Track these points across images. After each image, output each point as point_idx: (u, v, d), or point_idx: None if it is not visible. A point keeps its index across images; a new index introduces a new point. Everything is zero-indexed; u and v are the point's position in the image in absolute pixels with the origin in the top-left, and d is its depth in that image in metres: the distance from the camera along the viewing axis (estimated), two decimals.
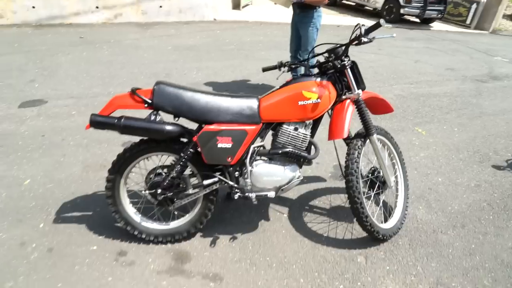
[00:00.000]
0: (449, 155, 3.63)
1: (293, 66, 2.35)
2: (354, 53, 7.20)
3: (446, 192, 3.05)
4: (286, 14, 11.01)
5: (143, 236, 2.29)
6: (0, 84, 4.54)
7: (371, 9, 12.13)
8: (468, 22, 12.05)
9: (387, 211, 2.67)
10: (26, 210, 2.54)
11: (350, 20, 10.75)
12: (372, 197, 2.59)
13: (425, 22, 11.73)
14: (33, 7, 7.56)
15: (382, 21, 1.99)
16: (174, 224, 2.33)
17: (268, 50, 6.80)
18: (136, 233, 2.28)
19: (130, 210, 2.28)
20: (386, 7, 11.28)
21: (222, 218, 2.59)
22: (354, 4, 12.88)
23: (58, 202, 2.63)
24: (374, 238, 2.37)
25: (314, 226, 2.57)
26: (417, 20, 11.79)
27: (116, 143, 3.40)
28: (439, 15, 11.31)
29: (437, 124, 4.31)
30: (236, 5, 11.11)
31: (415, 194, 2.98)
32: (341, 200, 2.84)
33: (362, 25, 2.10)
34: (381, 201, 2.66)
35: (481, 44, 9.42)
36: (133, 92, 2.00)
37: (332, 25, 9.67)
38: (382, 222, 2.48)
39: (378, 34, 2.24)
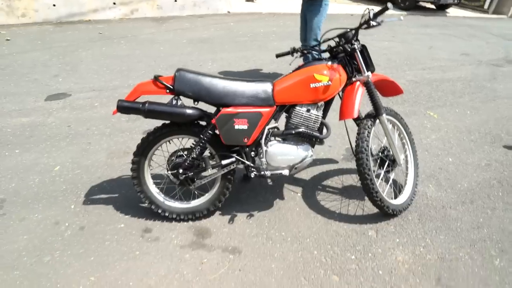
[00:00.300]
0: (461, 137, 3.69)
1: (305, 52, 2.46)
2: (367, 40, 7.23)
3: (456, 171, 3.13)
4: (299, 5, 11.03)
5: (166, 214, 2.46)
6: (27, 79, 4.78)
7: None
8: (486, 7, 11.82)
9: (397, 189, 2.77)
10: (57, 193, 2.74)
11: (364, 9, 10.70)
12: (382, 175, 2.69)
13: (441, 8, 11.57)
14: (54, 5, 7.82)
15: (389, 4, 2.09)
16: (194, 203, 2.49)
17: (281, 40, 6.89)
18: (159, 211, 2.45)
19: (154, 190, 2.45)
20: None
21: (239, 198, 2.74)
22: None
23: (86, 186, 2.82)
24: (384, 213, 2.48)
25: (326, 204, 2.70)
26: (433, 6, 11.63)
27: (137, 131, 3.59)
28: (456, 1, 11.13)
29: (450, 107, 4.36)
30: None
31: (426, 174, 3.07)
32: (352, 180, 2.96)
33: (371, 9, 2.20)
34: (391, 179, 2.76)
35: (498, 28, 9.27)
36: (156, 79, 2.15)
37: (345, 14, 9.66)
38: (392, 199, 2.59)
39: (387, 18, 2.33)
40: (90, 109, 4.02)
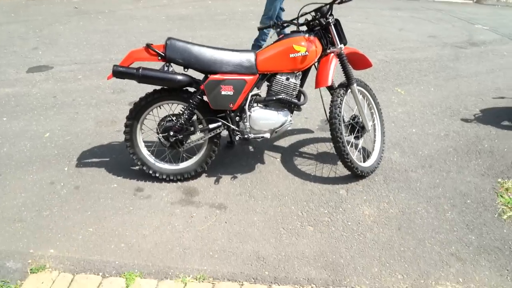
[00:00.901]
0: (424, 110, 4.04)
1: (285, 25, 2.68)
2: (342, 21, 7.48)
3: (418, 140, 3.47)
4: None
5: (157, 175, 2.66)
6: (5, 51, 4.77)
7: None
8: None
9: (366, 155, 3.08)
10: (50, 157, 2.88)
11: None
12: (352, 140, 2.98)
13: None
14: None
15: None
16: (183, 165, 2.70)
17: (259, 19, 7.02)
18: (150, 172, 2.65)
19: (145, 152, 2.65)
20: None
21: (223, 162, 2.97)
22: None
23: (78, 151, 2.98)
24: (354, 174, 2.78)
25: (303, 168, 2.97)
26: None
27: (123, 102, 3.73)
28: None
29: (415, 85, 4.70)
30: None
31: (391, 142, 3.39)
32: (326, 147, 3.24)
33: None
34: (360, 144, 3.05)
35: (464, 13, 9.73)
36: (148, 46, 2.33)
37: None
38: (361, 162, 2.89)
39: None
40: (74, 82, 4.11)
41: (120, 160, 2.89)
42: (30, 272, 1.99)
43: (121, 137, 3.06)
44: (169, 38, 2.36)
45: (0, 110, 3.44)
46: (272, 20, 4.54)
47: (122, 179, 2.71)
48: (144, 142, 2.67)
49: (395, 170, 3.03)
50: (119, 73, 2.31)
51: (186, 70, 2.43)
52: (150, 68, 2.35)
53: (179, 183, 2.71)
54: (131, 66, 2.34)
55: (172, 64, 2.39)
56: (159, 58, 2.34)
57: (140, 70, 2.30)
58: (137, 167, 2.75)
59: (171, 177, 2.68)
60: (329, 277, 2.08)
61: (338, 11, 8.20)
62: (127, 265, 2.07)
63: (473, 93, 4.59)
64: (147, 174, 2.67)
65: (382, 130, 3.06)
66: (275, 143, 3.27)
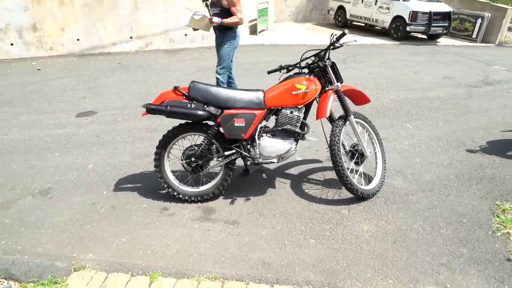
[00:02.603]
0: (430, 143, 4.31)
1: (290, 68, 3.15)
2: (359, 66, 8.00)
3: (421, 168, 3.73)
4: (298, 37, 11.94)
5: (180, 196, 3.08)
6: (59, 100, 5.56)
7: (380, 28, 12.94)
8: (474, 36, 12.65)
9: (368, 180, 3.37)
10: (92, 183, 3.39)
11: (359, 39, 11.57)
12: (352, 165, 3.29)
13: (432, 38, 12.43)
14: (78, 39, 8.79)
15: (346, 30, 2.79)
16: (203, 188, 3.12)
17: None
18: (175, 194, 3.08)
19: (171, 176, 3.09)
20: (394, 25, 12.08)
21: (238, 187, 3.36)
22: (364, 24, 13.73)
23: (115, 179, 3.47)
24: (355, 195, 3.08)
25: (310, 191, 3.30)
26: (425, 36, 12.50)
27: (155, 139, 4.26)
28: (444, 31, 11.99)
29: (425, 121, 4.99)
30: (253, 31, 12.18)
31: (395, 170, 3.67)
32: (333, 175, 3.55)
33: (335, 35, 2.91)
34: (361, 168, 3.35)
35: (484, 55, 10.02)
36: (175, 88, 2.86)
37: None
38: (362, 186, 3.19)
39: (347, 42, 3.01)
40: (115, 123, 4.74)
41: (150, 185, 3.35)
42: (73, 271, 2.40)
43: (152, 167, 3.57)
44: (192, 81, 2.89)
45: (54, 147, 4.06)
46: (227, 69, 4.85)
47: (151, 200, 3.15)
48: (171, 167, 3.13)
49: (396, 194, 3.30)
50: (151, 110, 2.83)
51: (205, 106, 2.92)
52: (176, 105, 2.85)
53: (199, 203, 3.11)
54: (161, 104, 2.86)
55: (194, 102, 2.89)
56: (184, 97, 2.86)
57: (168, 107, 2.82)
58: (164, 191, 3.20)
59: (193, 198, 3.09)
60: (326, 280, 2.35)
61: (357, 58, 8.78)
62: (151, 267, 2.45)
63: (481, 127, 4.82)
64: (172, 196, 3.10)
65: (383, 157, 3.37)
66: (286, 171, 3.64)
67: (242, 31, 11.48)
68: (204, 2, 4.48)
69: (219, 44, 4.82)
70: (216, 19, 4.38)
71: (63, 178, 3.46)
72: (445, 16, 11.75)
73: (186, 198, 3.09)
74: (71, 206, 3.06)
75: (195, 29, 4.68)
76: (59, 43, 8.68)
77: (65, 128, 4.57)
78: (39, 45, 8.54)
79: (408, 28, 11.57)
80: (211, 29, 4.72)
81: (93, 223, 2.87)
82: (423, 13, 11.31)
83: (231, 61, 4.95)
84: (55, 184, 3.36)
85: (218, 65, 4.90)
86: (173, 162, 3.20)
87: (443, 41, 12.33)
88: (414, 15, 11.32)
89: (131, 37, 9.16)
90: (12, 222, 2.85)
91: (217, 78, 4.95)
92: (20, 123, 4.71)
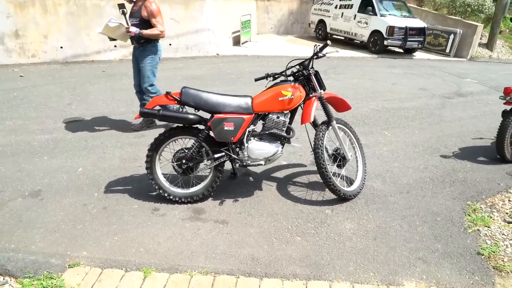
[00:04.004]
0: (407, 149, 4.56)
1: (276, 76, 3.32)
2: (340, 78, 8.30)
3: (399, 172, 3.95)
4: (280, 49, 12.23)
5: (171, 197, 3.18)
6: (44, 106, 5.58)
7: (359, 42, 13.40)
8: (447, 51, 13.25)
9: (350, 182, 3.56)
10: (83, 186, 3.46)
11: (340, 52, 11.97)
12: (337, 172, 3.48)
13: (408, 52, 12.96)
14: (61, 47, 8.80)
15: (329, 42, 3.00)
16: (193, 189, 3.23)
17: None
18: (166, 195, 3.18)
19: (162, 178, 3.19)
20: (372, 39, 12.56)
21: (227, 189, 3.49)
22: (343, 38, 14.19)
23: (106, 181, 3.55)
24: (338, 196, 3.26)
25: (295, 193, 3.46)
26: (401, 50, 13.02)
27: (143, 144, 4.36)
28: (420, 45, 12.54)
29: (402, 128, 5.26)
30: (237, 42, 12.43)
31: (375, 174, 3.88)
32: (317, 178, 3.73)
33: (317, 45, 3.12)
34: (343, 171, 3.53)
35: (456, 69, 10.53)
36: (168, 93, 2.99)
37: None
38: (344, 187, 3.37)
39: (329, 53, 3.22)
40: (103, 129, 4.80)
41: (140, 187, 3.44)
42: (68, 267, 2.47)
43: (142, 171, 3.67)
44: (184, 87, 3.03)
45: (42, 151, 4.09)
46: (152, 84, 4.52)
47: (142, 201, 3.24)
48: (162, 169, 3.23)
49: (376, 195, 3.49)
50: (144, 113, 2.95)
51: (196, 111, 3.06)
52: (168, 109, 2.98)
53: (189, 204, 3.22)
54: (154, 108, 2.99)
55: (185, 106, 3.03)
56: (176, 102, 2.99)
57: (161, 111, 2.94)
58: (154, 192, 3.29)
59: (183, 199, 3.20)
60: (311, 273, 2.50)
61: (337, 69, 9.10)
62: (145, 263, 2.54)
63: (454, 134, 5.12)
64: (162, 197, 3.20)
65: (363, 161, 3.57)
66: (272, 175, 3.79)
67: (225, 42, 11.74)
68: (121, 10, 4.19)
69: (138, 59, 4.48)
70: (134, 29, 4.15)
71: (53, 180, 3.51)
72: (420, 31, 12.31)
73: (177, 199, 3.19)
74: (63, 207, 3.12)
75: (111, 39, 4.37)
76: (42, 50, 8.67)
77: (52, 133, 4.61)
78: (21, 52, 8.51)
79: (385, 42, 12.05)
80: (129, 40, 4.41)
81: (85, 223, 2.94)
82: (400, 28, 11.82)
83: (155, 76, 4.59)
84: (46, 186, 3.41)
85: (143, 84, 4.51)
86: (164, 164, 3.30)
87: (418, 55, 12.86)
88: (391, 30, 11.82)
89: (115, 46, 9.22)
90: (3, 223, 2.89)
91: (145, 99, 4.56)
92: (6, 128, 4.72)
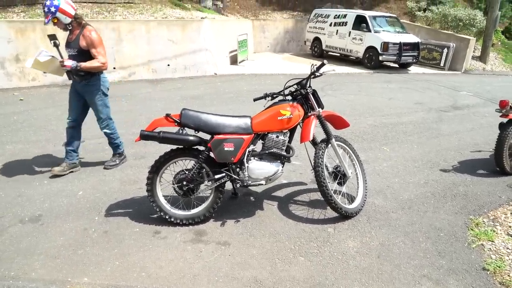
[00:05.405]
0: (407, 164, 4.57)
1: (274, 96, 3.36)
2: (337, 94, 8.37)
3: (400, 187, 3.95)
4: (277, 67, 12.35)
5: (172, 219, 3.17)
6: (44, 130, 5.60)
7: (354, 58, 13.57)
8: (442, 64, 13.42)
9: (351, 199, 3.56)
10: (83, 210, 3.44)
11: (335, 68, 12.11)
12: (338, 190, 3.48)
13: (403, 66, 13.11)
14: None
15: (325, 61, 3.05)
16: (194, 211, 3.22)
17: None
18: (167, 217, 3.16)
19: (163, 200, 3.19)
20: (367, 55, 12.73)
21: (228, 210, 3.48)
22: (339, 54, 14.37)
23: (106, 204, 3.53)
24: (339, 214, 3.24)
25: (296, 212, 3.45)
26: (396, 65, 13.18)
27: (143, 166, 4.36)
28: (414, 60, 12.70)
29: (400, 143, 5.29)
30: (234, 61, 12.57)
31: (375, 190, 3.88)
32: (317, 196, 3.72)
33: (314, 65, 3.17)
34: (344, 189, 3.53)
35: (452, 82, 10.65)
36: (167, 115, 3.01)
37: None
38: (346, 204, 3.36)
39: (326, 72, 3.26)
40: (102, 151, 4.81)
41: (141, 210, 3.43)
42: None
43: (142, 193, 3.65)
44: (183, 109, 3.05)
45: (42, 176, 4.08)
46: (109, 120, 4.31)
47: (143, 224, 3.22)
48: (162, 191, 3.23)
49: (377, 212, 3.48)
50: (145, 136, 2.97)
51: (196, 132, 3.08)
52: (168, 131, 3.00)
53: (190, 226, 3.20)
54: (154, 130, 3.00)
55: (185, 128, 3.04)
56: (176, 124, 3.01)
57: (161, 133, 2.96)
58: (155, 215, 3.28)
59: (184, 221, 3.18)
60: None
61: (334, 86, 9.18)
62: None
63: (453, 148, 5.14)
64: (163, 220, 3.18)
65: (364, 178, 3.57)
66: (273, 194, 3.79)
67: (223, 61, 11.88)
68: (52, 42, 3.73)
69: (85, 96, 4.03)
70: (70, 62, 3.65)
71: (54, 205, 3.49)
72: (414, 46, 12.49)
73: (178, 221, 3.18)
74: (63, 232, 3.10)
75: (46, 72, 3.77)
76: (42, 73, 8.72)
77: (52, 157, 4.61)
78: (21, 76, 8.59)
79: (380, 58, 12.21)
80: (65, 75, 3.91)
81: (86, 248, 2.91)
82: (394, 43, 12.00)
83: (109, 107, 4.27)
84: (46, 211, 3.39)
85: (101, 125, 4.22)
86: (164, 186, 3.30)
87: (413, 69, 13.02)
88: (385, 45, 11.99)
89: (114, 68, 9.31)
90: (3, 249, 2.86)
91: (74, 137, 4.19)
92: (6, 152, 4.72)
